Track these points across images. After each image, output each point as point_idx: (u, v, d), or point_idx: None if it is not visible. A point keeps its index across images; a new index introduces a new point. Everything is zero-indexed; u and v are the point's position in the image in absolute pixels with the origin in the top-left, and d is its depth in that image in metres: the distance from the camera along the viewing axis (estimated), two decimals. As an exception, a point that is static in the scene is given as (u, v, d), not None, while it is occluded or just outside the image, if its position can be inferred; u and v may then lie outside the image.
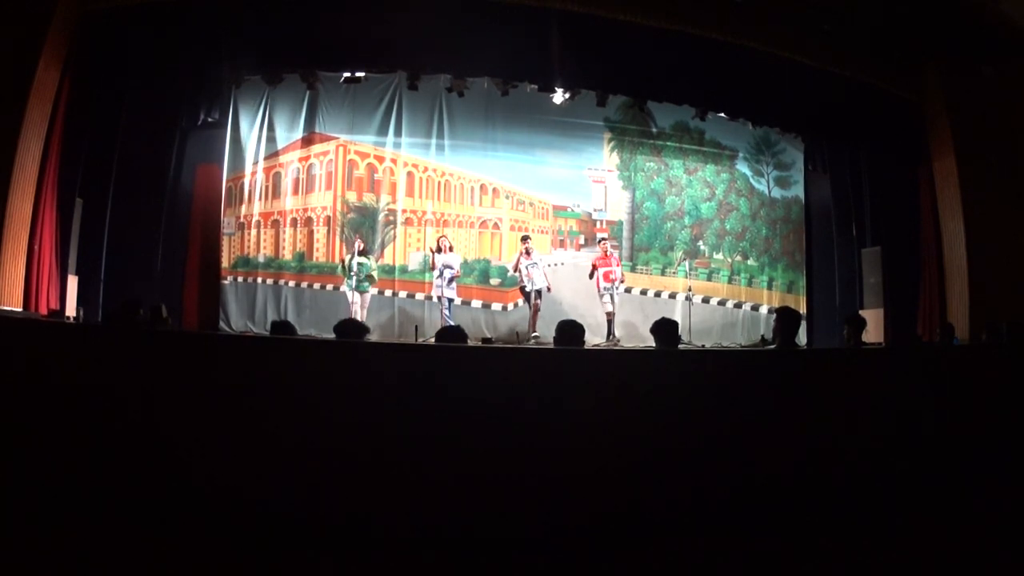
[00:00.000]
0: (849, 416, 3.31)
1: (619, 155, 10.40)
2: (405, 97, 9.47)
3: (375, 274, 8.76)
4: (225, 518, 2.66)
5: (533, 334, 8.57)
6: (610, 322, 8.80)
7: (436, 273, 8.57)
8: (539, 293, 8.59)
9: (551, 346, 4.79)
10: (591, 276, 8.94)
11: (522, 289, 8.73)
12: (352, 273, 8.43)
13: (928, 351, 5.87)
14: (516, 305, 9.34)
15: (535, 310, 8.63)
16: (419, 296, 9.05)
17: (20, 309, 6.33)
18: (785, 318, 4.43)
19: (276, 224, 9.34)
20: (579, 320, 4.30)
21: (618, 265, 8.96)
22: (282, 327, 4.60)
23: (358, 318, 8.08)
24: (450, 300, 8.55)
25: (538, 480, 2.76)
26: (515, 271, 8.86)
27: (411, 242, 9.51)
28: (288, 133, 9.42)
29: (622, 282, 9.07)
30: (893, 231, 9.73)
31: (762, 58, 8.31)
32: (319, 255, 9.34)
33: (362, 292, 8.51)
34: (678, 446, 2.97)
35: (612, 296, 8.80)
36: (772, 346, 5.69)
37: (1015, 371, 4.06)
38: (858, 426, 3.31)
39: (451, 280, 8.51)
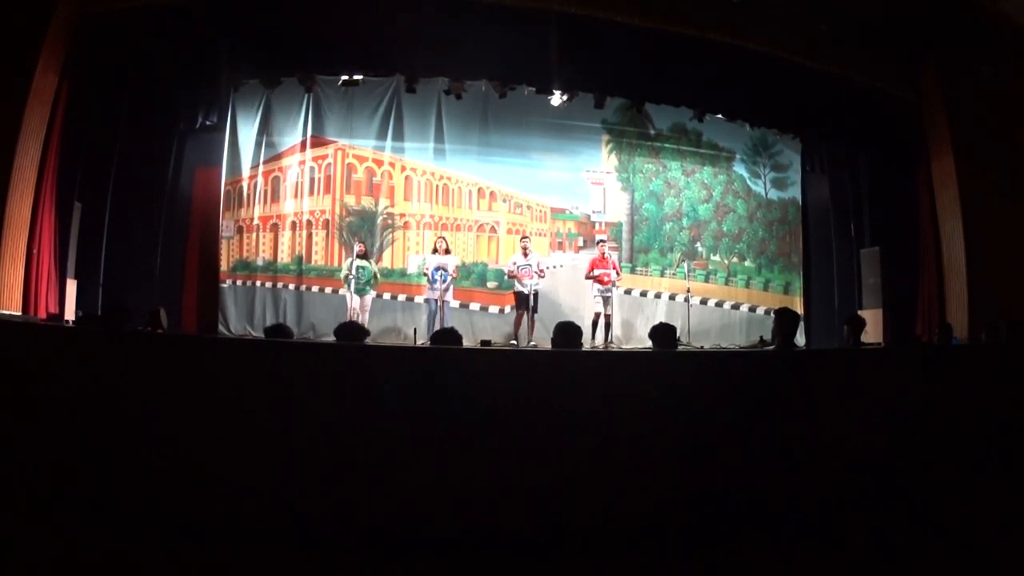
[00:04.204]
0: (848, 417, 3.30)
1: (617, 157, 10.41)
2: (403, 100, 9.47)
3: (377, 275, 8.71)
4: (224, 519, 2.65)
5: (512, 342, 8.39)
6: (597, 324, 8.44)
7: (427, 276, 8.36)
8: (533, 297, 8.25)
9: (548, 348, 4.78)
10: (587, 276, 8.70)
11: (516, 293, 8.54)
12: (352, 277, 8.38)
13: (927, 351, 5.87)
14: (513, 308, 9.25)
15: (521, 317, 8.41)
16: (418, 299, 9.04)
17: (19, 313, 6.32)
18: (783, 319, 4.44)
19: (275, 228, 9.34)
20: (578, 323, 4.30)
21: (615, 268, 8.71)
22: (276, 331, 4.58)
23: (359, 321, 8.04)
24: (444, 303, 8.27)
25: (536, 482, 2.75)
26: (509, 276, 8.63)
27: (410, 245, 9.51)
28: (286, 137, 9.42)
29: (616, 284, 8.82)
30: (892, 231, 9.74)
31: (760, 59, 8.30)
32: (318, 258, 9.33)
33: (362, 295, 8.44)
34: (677, 447, 2.96)
35: (606, 299, 8.52)
36: (771, 347, 5.69)
37: (1014, 371, 4.06)
38: (857, 427, 3.30)
39: (445, 282, 8.24)
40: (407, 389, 2.83)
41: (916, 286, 9.39)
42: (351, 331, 4.23)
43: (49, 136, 6.73)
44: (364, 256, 8.56)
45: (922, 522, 3.08)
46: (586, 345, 7.80)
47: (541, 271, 8.47)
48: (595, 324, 8.43)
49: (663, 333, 4.18)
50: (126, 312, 4.43)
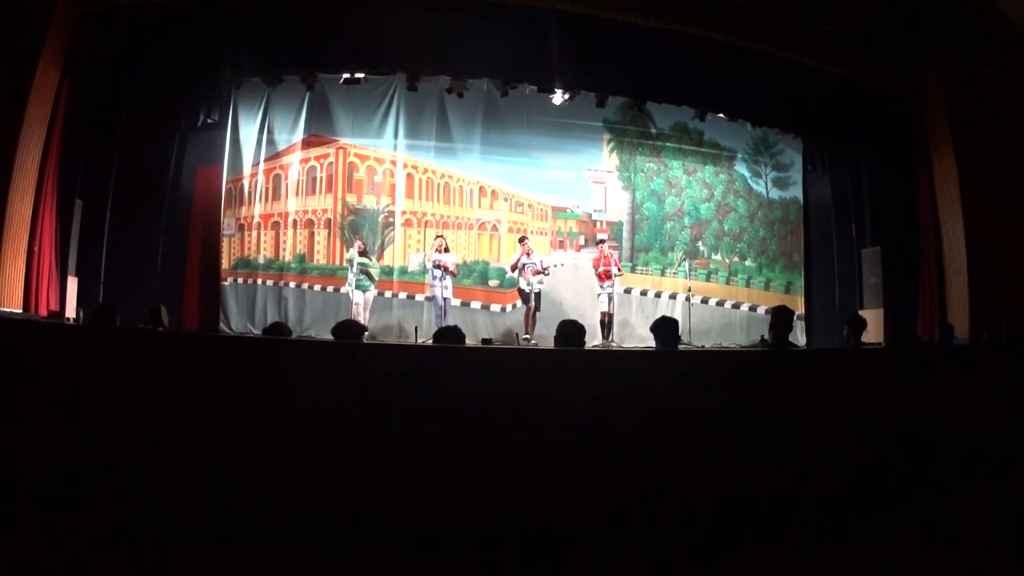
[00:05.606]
0: (849, 417, 3.30)
1: (618, 156, 10.41)
2: (404, 99, 9.47)
3: (375, 272, 8.73)
4: (224, 518, 2.66)
5: (524, 336, 8.51)
6: (604, 323, 8.68)
7: (430, 273, 8.56)
8: (537, 295, 8.57)
9: (550, 347, 4.78)
10: (598, 273, 8.90)
11: (520, 290, 8.75)
12: (355, 269, 8.39)
13: (928, 352, 5.87)
14: (515, 306, 9.34)
15: (530, 312, 8.61)
16: (419, 297, 9.06)
17: (20, 310, 6.33)
18: (777, 316, 4.47)
19: (276, 226, 9.35)
20: (580, 320, 4.29)
21: (616, 265, 8.86)
22: (274, 329, 4.57)
23: (360, 319, 8.06)
24: (445, 300, 8.45)
25: (537, 481, 2.75)
26: (513, 271, 8.88)
27: (411, 244, 9.51)
28: (288, 135, 9.42)
29: (618, 277, 8.96)
30: (893, 231, 9.74)
31: (762, 58, 8.31)
32: (319, 257, 9.34)
33: (364, 291, 8.47)
34: (678, 447, 2.96)
35: (609, 296, 8.70)
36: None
37: (1015, 371, 4.05)
38: (858, 427, 3.30)
39: (443, 279, 8.41)
40: (409, 387, 2.83)
41: (917, 286, 9.40)
42: (348, 329, 4.23)
43: (50, 134, 6.74)
44: (363, 254, 8.59)
45: (922, 522, 3.07)
46: (593, 344, 7.91)
47: (544, 269, 8.68)
48: (602, 323, 8.61)
49: (665, 327, 4.10)
50: (114, 313, 4.40)
